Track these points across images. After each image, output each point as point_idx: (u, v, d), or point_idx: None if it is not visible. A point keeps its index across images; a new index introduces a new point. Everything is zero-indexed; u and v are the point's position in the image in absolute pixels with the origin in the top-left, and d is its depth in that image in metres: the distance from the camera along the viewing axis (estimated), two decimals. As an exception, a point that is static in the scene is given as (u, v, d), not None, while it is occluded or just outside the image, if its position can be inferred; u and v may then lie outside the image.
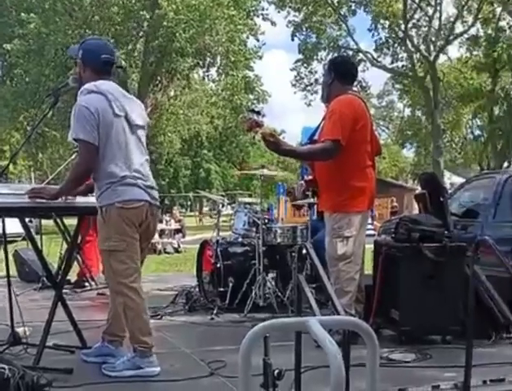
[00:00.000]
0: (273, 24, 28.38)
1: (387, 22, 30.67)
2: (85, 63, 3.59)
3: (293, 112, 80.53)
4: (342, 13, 30.88)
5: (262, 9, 27.87)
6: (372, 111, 39.27)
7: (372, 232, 9.42)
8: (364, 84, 33.31)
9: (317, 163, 4.44)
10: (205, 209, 45.24)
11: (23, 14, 22.63)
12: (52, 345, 3.88)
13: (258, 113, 4.07)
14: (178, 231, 16.66)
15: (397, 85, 38.15)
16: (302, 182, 6.01)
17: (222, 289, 5.35)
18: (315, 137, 4.46)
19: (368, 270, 4.69)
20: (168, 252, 14.97)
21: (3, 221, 4.11)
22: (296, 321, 2.01)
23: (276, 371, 2.06)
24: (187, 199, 38.50)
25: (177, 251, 15.22)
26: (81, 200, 3.79)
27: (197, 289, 5.78)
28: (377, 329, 4.15)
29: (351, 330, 2.16)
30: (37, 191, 3.60)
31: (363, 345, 1.83)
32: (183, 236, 16.93)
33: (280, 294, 5.26)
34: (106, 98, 3.44)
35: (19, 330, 3.93)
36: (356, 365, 2.48)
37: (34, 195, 3.53)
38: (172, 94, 28.29)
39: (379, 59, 32.02)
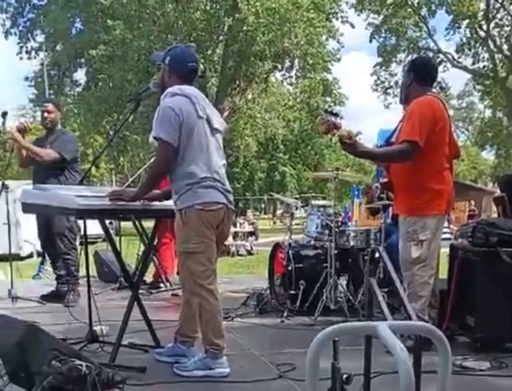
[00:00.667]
0: (352, 26, 28.16)
1: (468, 22, 29.76)
2: (171, 69, 3.66)
3: (370, 114, 79.67)
4: (422, 14, 30.24)
5: (341, 11, 27.70)
6: (451, 112, 38.27)
7: (448, 236, 9.15)
8: (443, 85, 32.50)
9: (393, 165, 4.35)
10: (279, 212, 45.27)
11: (109, 20, 23.36)
12: (127, 344, 3.98)
13: (336, 115, 4.02)
14: (251, 234, 16.80)
15: (478, 86, 36.97)
16: (378, 184, 5.92)
17: (293, 292, 5.32)
18: (392, 139, 4.39)
19: (443, 274, 4.55)
20: (241, 255, 15.11)
21: (85, 223, 4.26)
22: (365, 325, 1.97)
23: (345, 376, 2.03)
24: (262, 202, 38.74)
25: (250, 253, 15.34)
26: (159, 203, 3.88)
27: (268, 291, 5.78)
28: (451, 335, 4.03)
29: (424, 336, 2.10)
30: (118, 193, 3.72)
31: (436, 352, 1.77)
32: (256, 239, 17.06)
33: (351, 298, 5.19)
34: (190, 100, 3.51)
35: (97, 328, 4.04)
36: (428, 372, 2.41)
37: (114, 198, 3.64)
38: (250, 97, 28.51)
39: (460, 60, 31.20)
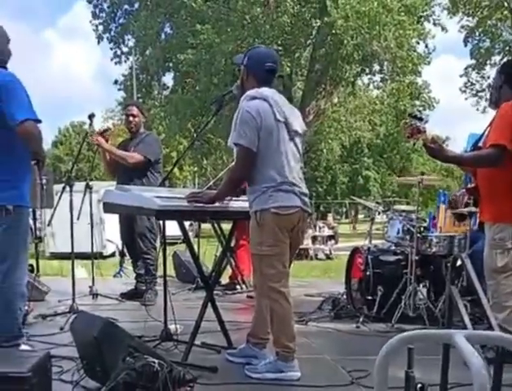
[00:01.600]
0: (444, 29, 27.42)
1: None
2: (248, 70, 3.65)
3: (461, 118, 77.39)
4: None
5: (434, 13, 27.02)
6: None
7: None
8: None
9: (479, 170, 4.17)
10: (360, 217, 44.76)
11: (197, 24, 23.81)
12: (200, 344, 4.01)
13: (421, 119, 3.93)
14: (330, 238, 16.64)
15: None
16: (464, 190, 5.70)
17: (370, 297, 5.20)
18: (480, 143, 4.21)
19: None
20: (319, 259, 15.01)
21: (164, 224, 4.33)
22: (440, 333, 1.89)
23: (419, 386, 1.95)
24: (343, 206, 38.41)
25: (328, 257, 15.21)
26: (235, 205, 3.88)
27: (345, 296, 5.67)
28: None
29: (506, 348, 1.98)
30: (196, 195, 3.72)
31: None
32: (336, 243, 16.88)
33: (431, 306, 5.00)
34: (268, 103, 3.48)
35: (172, 327, 4.09)
36: (510, 385, 2.28)
37: (192, 199, 3.65)
38: (335, 101, 28.32)
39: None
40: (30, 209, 3.75)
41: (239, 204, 3.86)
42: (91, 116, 5.68)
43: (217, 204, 3.73)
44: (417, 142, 3.90)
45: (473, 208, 5.12)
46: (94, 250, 6.45)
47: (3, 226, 3.44)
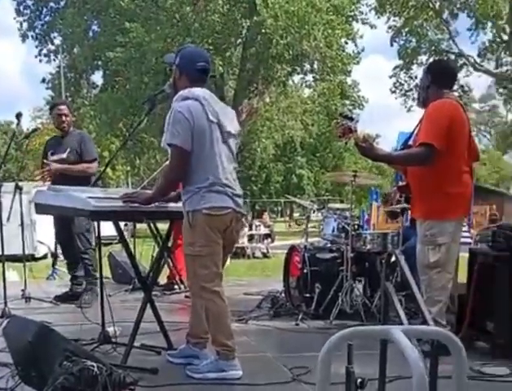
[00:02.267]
0: (372, 27, 28.08)
1: (491, 24, 29.51)
2: (181, 70, 3.63)
3: (390, 117, 79.50)
4: (444, 17, 30.05)
5: (361, 13, 27.63)
6: (473, 115, 38.01)
7: (468, 240, 9.04)
8: (466, 88, 32.28)
9: (410, 168, 4.30)
10: (296, 215, 45.23)
11: (126, 23, 23.50)
12: (140, 345, 3.96)
13: (351, 119, 3.99)
14: (267, 236, 16.78)
15: (501, 90, 36.64)
16: (395, 188, 5.86)
17: (308, 295, 5.27)
18: (410, 142, 4.34)
19: (463, 279, 4.48)
20: (256, 257, 15.09)
21: (98, 225, 4.25)
22: (379, 329, 1.94)
23: (359, 380, 1.99)
24: (278, 205, 38.77)
25: (265, 256, 15.33)
26: (172, 205, 3.85)
27: (283, 294, 5.73)
28: (470, 341, 3.97)
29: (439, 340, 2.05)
30: (131, 195, 3.70)
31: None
32: (272, 241, 17.04)
33: (367, 302, 5.13)
34: (200, 103, 3.47)
35: (110, 329, 4.03)
36: (444, 377, 2.36)
37: (128, 200, 3.62)
38: (268, 100, 28.52)
39: (482, 64, 30.92)
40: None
41: (175, 203, 3.82)
42: (19, 116, 5.54)
43: (153, 204, 3.70)
44: (349, 141, 3.98)
45: (405, 205, 5.28)
46: (26, 252, 6.27)
47: None
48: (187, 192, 3.51)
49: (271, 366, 3.80)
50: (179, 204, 3.73)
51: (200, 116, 3.44)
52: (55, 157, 5.95)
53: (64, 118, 6.00)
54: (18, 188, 5.73)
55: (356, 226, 5.49)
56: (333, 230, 5.54)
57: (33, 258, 9.16)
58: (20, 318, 3.52)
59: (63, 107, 6.14)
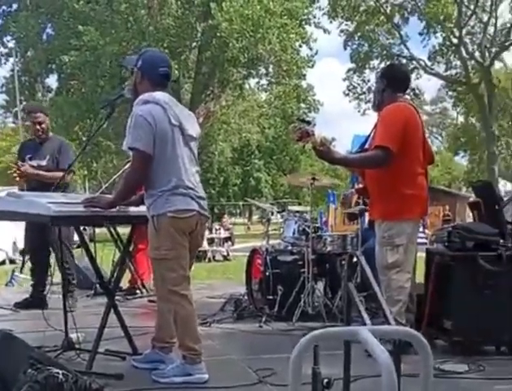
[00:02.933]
0: (326, 31, 28.41)
1: (441, 28, 30.19)
2: (143, 74, 3.62)
3: (344, 120, 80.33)
4: (395, 21, 30.59)
5: (314, 17, 27.90)
6: (425, 118, 38.76)
7: (424, 240, 9.24)
8: (417, 91, 32.91)
9: (367, 171, 4.39)
10: (255, 218, 45.37)
11: (80, 26, 23.20)
12: (104, 351, 3.93)
13: (308, 123, 4.07)
14: (227, 239, 16.81)
15: (451, 93, 37.52)
16: (353, 190, 5.96)
17: (270, 297, 5.33)
18: (367, 145, 4.43)
19: (420, 278, 4.60)
20: (217, 260, 15.10)
21: (59, 230, 4.21)
22: (347, 330, 1.98)
23: (325, 380, 2.05)
24: (237, 208, 38.78)
25: (226, 259, 15.35)
26: (134, 209, 3.84)
27: (246, 297, 5.77)
28: (429, 339, 4.00)
29: (403, 339, 2.12)
30: (92, 200, 3.68)
31: (414, 355, 1.79)
32: (232, 244, 17.07)
33: (329, 303, 5.21)
34: (162, 107, 3.47)
35: (73, 336, 3.99)
36: (408, 375, 2.43)
37: (89, 205, 3.60)
38: (224, 103, 28.53)
39: (432, 67, 31.62)
40: None
41: (137, 208, 3.82)
42: None
43: (115, 209, 3.69)
44: (307, 144, 4.05)
45: (363, 207, 5.39)
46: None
47: None
48: (150, 196, 3.51)
49: (236, 369, 3.83)
50: (141, 208, 3.74)
51: (161, 120, 3.45)
52: (34, 163, 5.86)
53: (38, 126, 5.90)
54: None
55: (316, 229, 5.56)
56: (294, 233, 5.61)
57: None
58: (-19, 326, 3.47)
59: (37, 114, 5.99)
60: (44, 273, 5.97)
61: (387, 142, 3.97)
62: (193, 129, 3.68)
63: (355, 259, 5.40)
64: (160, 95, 3.53)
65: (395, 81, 4.27)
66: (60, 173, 5.65)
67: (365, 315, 2.97)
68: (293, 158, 45.79)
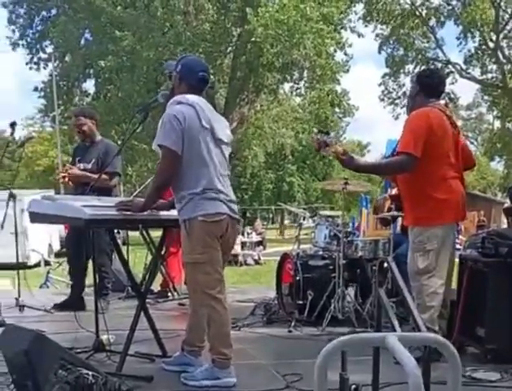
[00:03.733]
0: (360, 36, 28.25)
1: (477, 32, 29.77)
2: (181, 77, 3.65)
3: (380, 124, 79.78)
4: (431, 25, 30.25)
5: (350, 21, 27.80)
6: (460, 123, 38.12)
7: (458, 246, 9.10)
8: (452, 96, 32.46)
9: (399, 177, 4.37)
10: (287, 222, 45.23)
11: (117, 31, 23.51)
12: (134, 353, 3.96)
13: (327, 133, 4.13)
14: (259, 244, 16.83)
15: (486, 97, 36.93)
16: (386, 195, 5.92)
17: (300, 302, 5.31)
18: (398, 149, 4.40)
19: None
20: (248, 264, 15.13)
21: (93, 234, 4.27)
22: (374, 336, 1.96)
23: (353, 387, 2.03)
24: (269, 213, 38.73)
25: (257, 263, 15.38)
26: (165, 213, 3.86)
27: (276, 301, 5.76)
28: (461, 346, 4.01)
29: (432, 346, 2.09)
30: (125, 203, 3.70)
31: (446, 363, 1.76)
32: (264, 248, 17.09)
33: (359, 308, 5.18)
34: (194, 109, 3.49)
35: (104, 337, 4.03)
36: (438, 382, 2.40)
37: (122, 208, 3.63)
38: (258, 108, 28.57)
39: (468, 71, 31.18)
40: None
41: (168, 211, 3.84)
42: (13, 125, 5.53)
43: (147, 212, 3.71)
44: (327, 154, 4.12)
45: (395, 213, 5.35)
46: (23, 260, 6.26)
47: None
48: (180, 199, 3.52)
49: (264, 373, 3.82)
50: (172, 212, 3.76)
51: (193, 121, 3.46)
52: (81, 166, 5.98)
53: (78, 129, 6.01)
54: (12, 196, 5.73)
55: (348, 233, 5.53)
56: (325, 238, 5.58)
57: (25, 266, 9.11)
58: (15, 326, 3.53)
59: (78, 117, 6.09)
60: (82, 275, 6.06)
61: (408, 148, 3.97)
62: (224, 133, 3.68)
63: (386, 264, 5.37)
64: (193, 98, 3.55)
65: (427, 86, 4.25)
66: (104, 177, 5.73)
67: (395, 321, 2.94)
68: (327, 163, 45.57)
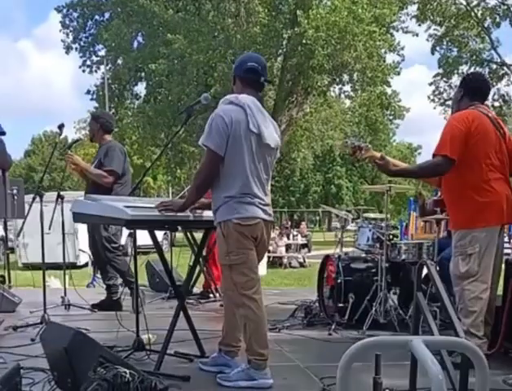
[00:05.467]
0: (414, 35, 27.85)
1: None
2: (235, 75, 3.67)
3: (431, 127, 78.25)
4: (486, 25, 29.53)
5: (403, 22, 27.43)
6: (513, 126, 37.05)
7: (509, 251, 8.84)
8: (507, 98, 31.58)
9: (442, 181, 4.29)
10: (334, 225, 44.90)
11: (169, 34, 23.82)
12: (173, 353, 4.00)
13: (361, 138, 4.12)
14: (304, 246, 16.74)
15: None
16: (436, 198, 5.83)
17: (341, 305, 5.27)
18: None
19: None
20: (293, 267, 15.07)
21: (134, 233, 4.32)
22: (398, 339, 1.94)
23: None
24: (316, 215, 38.48)
25: (302, 265, 15.31)
26: (207, 214, 3.87)
27: (317, 304, 5.73)
28: (506, 353, 3.90)
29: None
30: (166, 203, 3.71)
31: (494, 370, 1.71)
32: (309, 251, 16.99)
33: (401, 312, 5.09)
34: (244, 111, 3.46)
35: (144, 337, 4.09)
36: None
37: (163, 208, 3.65)
38: (307, 110, 28.48)
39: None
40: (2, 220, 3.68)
41: (210, 213, 3.83)
42: (61, 127, 5.66)
43: (188, 213, 3.74)
44: (361, 158, 4.10)
45: (440, 216, 5.26)
46: (67, 260, 6.39)
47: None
48: (216, 201, 3.53)
49: (302, 376, 3.80)
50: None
51: (240, 124, 3.44)
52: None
53: (88, 132, 6.18)
54: (60, 197, 5.85)
55: (391, 236, 5.44)
56: (368, 240, 5.51)
57: (74, 266, 9.32)
58: (57, 324, 3.61)
59: (89, 121, 6.29)
60: (105, 274, 6.16)
61: (444, 150, 3.92)
62: (272, 138, 3.63)
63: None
64: (246, 99, 3.51)
65: (471, 89, 4.19)
66: (102, 172, 5.82)
67: (433, 325, 2.89)
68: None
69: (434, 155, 3.99)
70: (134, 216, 3.48)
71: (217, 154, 3.43)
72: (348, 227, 6.72)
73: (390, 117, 33.78)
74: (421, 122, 79.11)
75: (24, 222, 4.96)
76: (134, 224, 3.66)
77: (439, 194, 5.46)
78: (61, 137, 6.17)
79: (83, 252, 12.75)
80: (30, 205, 5.09)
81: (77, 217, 3.87)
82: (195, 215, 3.84)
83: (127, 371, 2.93)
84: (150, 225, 3.81)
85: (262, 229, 3.55)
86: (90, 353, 3.04)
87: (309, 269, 13.59)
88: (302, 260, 15.72)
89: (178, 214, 3.68)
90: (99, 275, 8.77)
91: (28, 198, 6.41)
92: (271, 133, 3.64)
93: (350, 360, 1.66)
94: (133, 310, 5.55)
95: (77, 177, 6.36)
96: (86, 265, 13.33)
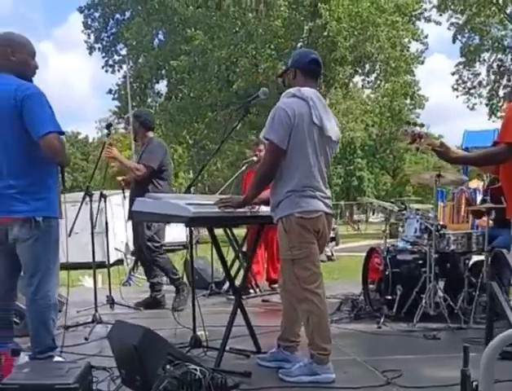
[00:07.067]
0: (437, 23, 27.64)
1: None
2: (295, 68, 3.66)
3: (453, 116, 77.49)
4: (508, 12, 29.13)
5: (425, 10, 27.19)
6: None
7: None
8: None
9: (501, 170, 4.21)
10: (355, 217, 44.52)
11: (188, 30, 23.81)
12: (229, 349, 3.98)
13: (415, 124, 4.03)
14: (332, 239, 16.62)
15: None
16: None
17: (389, 297, 5.21)
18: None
19: None
20: (321, 260, 14.98)
21: (190, 231, 4.32)
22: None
23: (475, 383, 1.97)
24: (338, 208, 38.21)
25: (330, 259, 15.19)
26: (264, 209, 3.86)
27: (362, 297, 5.69)
28: None
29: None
30: (225, 200, 3.71)
31: None
32: (337, 244, 16.88)
33: (451, 303, 5.02)
34: (307, 104, 3.46)
35: (198, 333, 4.07)
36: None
37: (223, 205, 3.65)
38: (328, 102, 28.36)
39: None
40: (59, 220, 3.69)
41: (267, 208, 3.80)
42: (109, 126, 5.71)
43: (246, 209, 3.73)
44: (421, 146, 4.01)
45: (491, 205, 5.17)
46: (103, 259, 6.41)
47: (33, 237, 3.41)
48: (277, 196, 3.52)
49: (361, 370, 3.78)
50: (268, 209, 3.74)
51: (303, 117, 3.44)
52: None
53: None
54: (102, 196, 5.86)
55: (439, 227, 5.37)
56: (415, 231, 5.44)
57: (103, 266, 9.29)
58: (124, 322, 3.61)
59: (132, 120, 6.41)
60: (149, 272, 6.18)
61: (507, 138, 3.81)
62: (333, 131, 3.63)
63: (476, 258, 5.21)
64: (308, 92, 3.51)
65: None
66: (140, 166, 5.85)
67: (510, 315, 2.83)
68: (398, 156, 44.79)
69: (496, 143, 3.91)
70: (196, 213, 3.46)
71: (279, 147, 3.43)
72: (370, 220, 6.62)
73: (411, 107, 33.51)
74: (442, 111, 78.23)
75: (74, 223, 4.95)
76: (195, 221, 3.65)
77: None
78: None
79: (116, 250, 12.82)
80: (81, 204, 5.10)
81: (138, 216, 3.92)
82: (252, 211, 3.82)
83: (197, 368, 2.93)
84: (211, 222, 3.80)
85: (323, 222, 3.54)
86: (159, 351, 3.05)
87: (337, 262, 13.51)
88: (329, 253, 15.62)
89: (238, 210, 3.67)
90: (134, 273, 8.84)
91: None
92: (333, 126, 3.65)
93: (494, 353, 1.66)
94: (176, 307, 5.60)
95: (115, 170, 6.40)
96: (115, 263, 13.37)
